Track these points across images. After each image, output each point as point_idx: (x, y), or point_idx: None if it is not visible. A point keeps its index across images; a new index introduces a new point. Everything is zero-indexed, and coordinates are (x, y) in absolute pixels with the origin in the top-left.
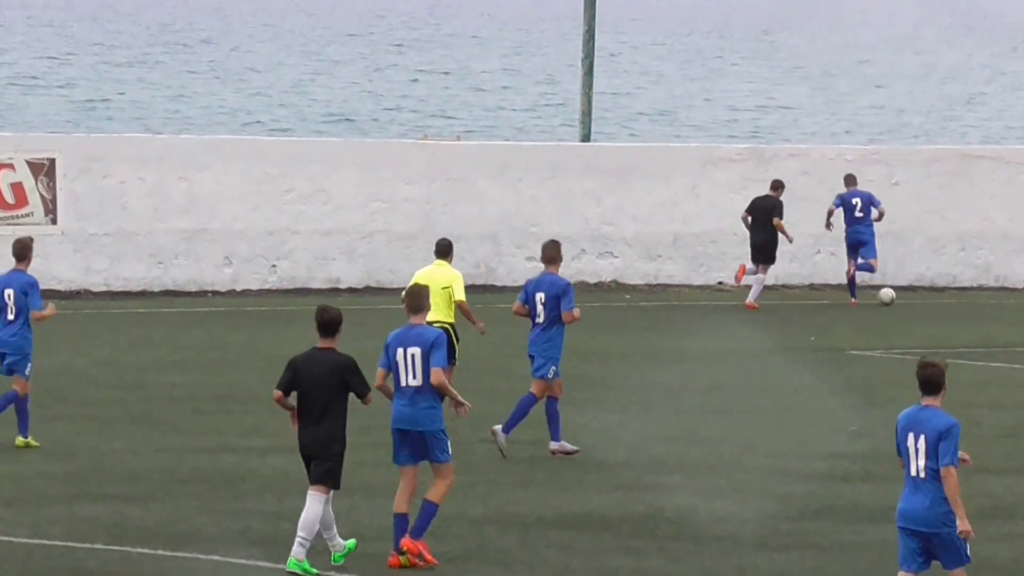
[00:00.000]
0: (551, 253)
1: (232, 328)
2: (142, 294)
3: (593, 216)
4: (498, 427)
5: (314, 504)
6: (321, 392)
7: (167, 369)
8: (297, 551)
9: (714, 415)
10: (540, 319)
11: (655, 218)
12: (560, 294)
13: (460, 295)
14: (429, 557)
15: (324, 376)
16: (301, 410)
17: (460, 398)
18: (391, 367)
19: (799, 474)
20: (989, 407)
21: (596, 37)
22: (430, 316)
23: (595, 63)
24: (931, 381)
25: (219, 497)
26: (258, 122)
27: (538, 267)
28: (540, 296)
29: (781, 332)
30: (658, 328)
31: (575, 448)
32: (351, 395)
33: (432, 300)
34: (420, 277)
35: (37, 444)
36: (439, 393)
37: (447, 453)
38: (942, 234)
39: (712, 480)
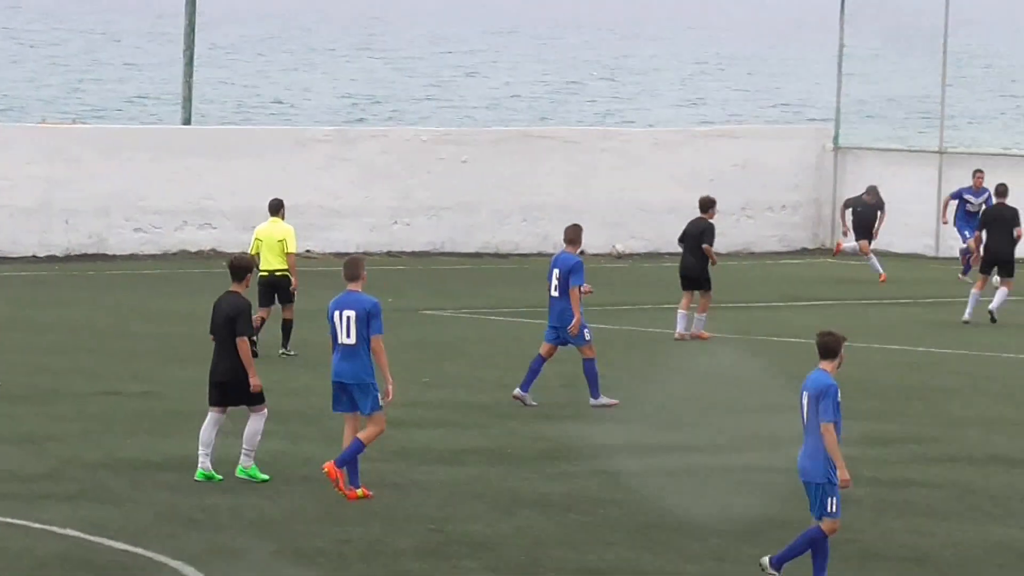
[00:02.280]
0: (571, 235)
1: None
2: None
3: (195, 191)
4: (517, 390)
5: (255, 421)
6: (221, 330)
7: None
8: (244, 461)
9: (304, 369)
10: (555, 292)
11: (251, 193)
12: (571, 270)
13: (292, 248)
14: (342, 488)
15: (222, 317)
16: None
17: (389, 376)
18: (331, 328)
19: None
20: (550, 360)
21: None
22: (269, 265)
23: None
24: (827, 348)
25: None
26: None
27: (146, 238)
28: (556, 272)
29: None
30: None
31: (615, 401)
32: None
33: (270, 252)
34: (259, 232)
35: None
36: (371, 353)
37: (378, 403)
38: (506, 206)
39: (304, 428)
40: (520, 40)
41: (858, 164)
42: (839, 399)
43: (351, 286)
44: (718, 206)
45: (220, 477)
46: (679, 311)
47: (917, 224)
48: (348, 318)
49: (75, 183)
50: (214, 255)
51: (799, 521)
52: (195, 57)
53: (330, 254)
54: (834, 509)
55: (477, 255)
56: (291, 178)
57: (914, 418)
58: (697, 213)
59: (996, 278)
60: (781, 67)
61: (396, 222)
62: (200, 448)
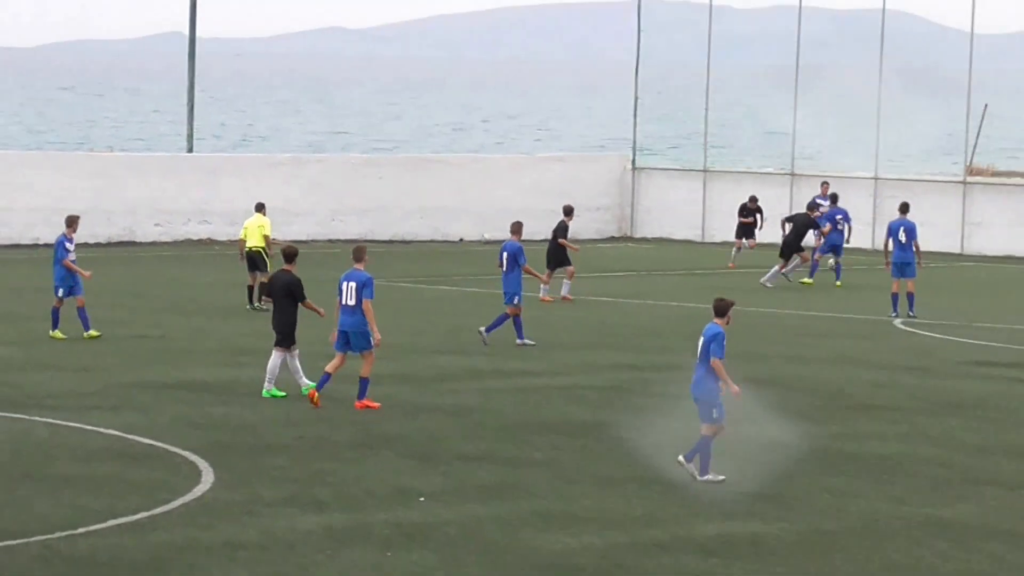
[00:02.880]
0: (515, 228)
1: None
2: None
3: (196, 198)
4: (482, 328)
5: (276, 357)
6: (279, 297)
7: None
8: (267, 386)
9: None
10: (504, 269)
11: (234, 199)
12: (517, 253)
13: (268, 232)
14: (372, 404)
15: (280, 288)
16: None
17: (376, 328)
18: (338, 293)
19: None
20: (479, 314)
21: None
22: (252, 244)
23: None
24: (720, 308)
25: None
26: None
27: (162, 230)
28: (505, 255)
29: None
30: None
31: (532, 341)
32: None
33: (252, 236)
34: (247, 223)
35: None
36: (364, 313)
37: (369, 345)
38: (410, 208)
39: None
40: (430, 91)
41: (648, 179)
42: (724, 343)
43: (356, 265)
44: (572, 210)
45: (283, 394)
46: (542, 285)
47: (688, 220)
48: (351, 287)
49: (112, 192)
50: (209, 242)
51: (613, 422)
52: (195, 107)
53: (289, 241)
54: (717, 416)
55: (390, 242)
56: (262, 189)
57: (666, 352)
58: (549, 213)
59: (831, 260)
60: (599, 112)
61: (334, 219)
62: (267, 375)
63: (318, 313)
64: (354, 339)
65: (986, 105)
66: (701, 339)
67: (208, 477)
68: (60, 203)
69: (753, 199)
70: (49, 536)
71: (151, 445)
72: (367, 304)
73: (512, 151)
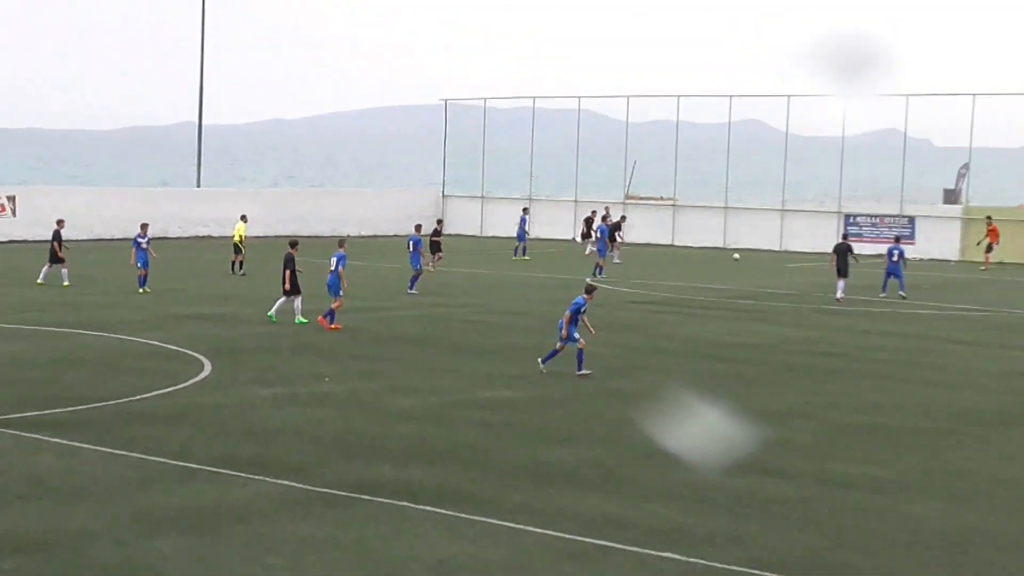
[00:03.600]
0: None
1: None
2: None
3: (204, 214)
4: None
5: (283, 301)
6: (287, 266)
7: None
8: (272, 312)
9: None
10: (333, 269)
11: (227, 213)
12: (340, 259)
13: (244, 232)
14: (330, 326)
15: (287, 262)
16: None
17: (345, 284)
18: (329, 264)
19: None
20: (397, 278)
21: None
22: (237, 238)
23: None
24: (589, 289)
25: None
26: None
27: (182, 231)
28: (334, 260)
29: None
30: None
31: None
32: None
33: (237, 233)
34: (237, 227)
35: None
36: (339, 275)
37: (339, 295)
38: (315, 220)
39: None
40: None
41: (454, 204)
42: (582, 309)
43: (339, 249)
44: (425, 227)
45: (276, 320)
46: (431, 266)
47: (473, 223)
48: (335, 260)
49: (153, 211)
50: (212, 240)
51: (439, 335)
52: (202, 157)
53: (252, 237)
54: (578, 339)
55: (308, 236)
56: (240, 209)
57: (470, 295)
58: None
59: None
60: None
61: (276, 224)
62: (274, 307)
63: (299, 272)
64: (332, 288)
65: (635, 162)
66: (572, 306)
67: (208, 368)
68: (140, 216)
69: (592, 216)
70: (119, 400)
71: (176, 350)
72: (341, 271)
73: (375, 187)
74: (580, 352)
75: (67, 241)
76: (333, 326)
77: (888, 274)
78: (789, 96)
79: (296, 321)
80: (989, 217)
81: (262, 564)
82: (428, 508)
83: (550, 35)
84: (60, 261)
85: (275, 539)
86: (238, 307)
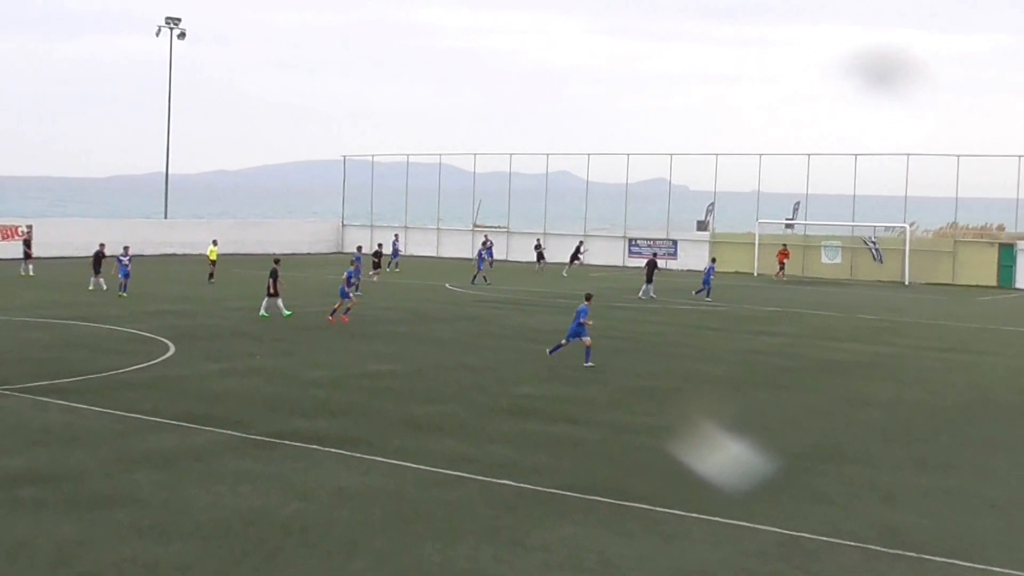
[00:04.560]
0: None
1: None
2: None
3: (172, 239)
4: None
5: (268, 301)
6: (273, 275)
7: None
8: (262, 310)
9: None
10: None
11: (197, 239)
12: (273, 275)
13: (215, 256)
14: (342, 319)
15: (271, 273)
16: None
17: (349, 289)
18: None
19: None
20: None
21: None
22: (212, 258)
23: None
24: (588, 296)
25: None
26: None
27: (161, 248)
28: (352, 262)
29: None
30: None
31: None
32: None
33: (211, 255)
34: (210, 249)
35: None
36: (345, 282)
37: (347, 296)
38: (247, 242)
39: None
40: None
41: (351, 231)
42: (586, 314)
43: (350, 267)
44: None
45: (268, 316)
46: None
47: (364, 243)
48: (344, 276)
49: (133, 236)
50: (176, 257)
51: (358, 321)
52: (168, 197)
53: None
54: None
55: (245, 255)
56: (197, 235)
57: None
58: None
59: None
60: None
61: (232, 244)
62: (262, 306)
63: (279, 285)
64: (342, 293)
65: (480, 201)
66: (578, 311)
67: (172, 350)
68: (124, 240)
69: (538, 243)
70: (107, 373)
71: (149, 336)
72: (344, 279)
73: (294, 219)
74: (587, 349)
75: (70, 258)
76: (333, 320)
77: (704, 284)
78: (589, 155)
79: (284, 315)
80: (785, 245)
81: (211, 491)
82: (331, 449)
83: (421, 104)
84: (99, 272)
85: (221, 472)
86: (194, 306)
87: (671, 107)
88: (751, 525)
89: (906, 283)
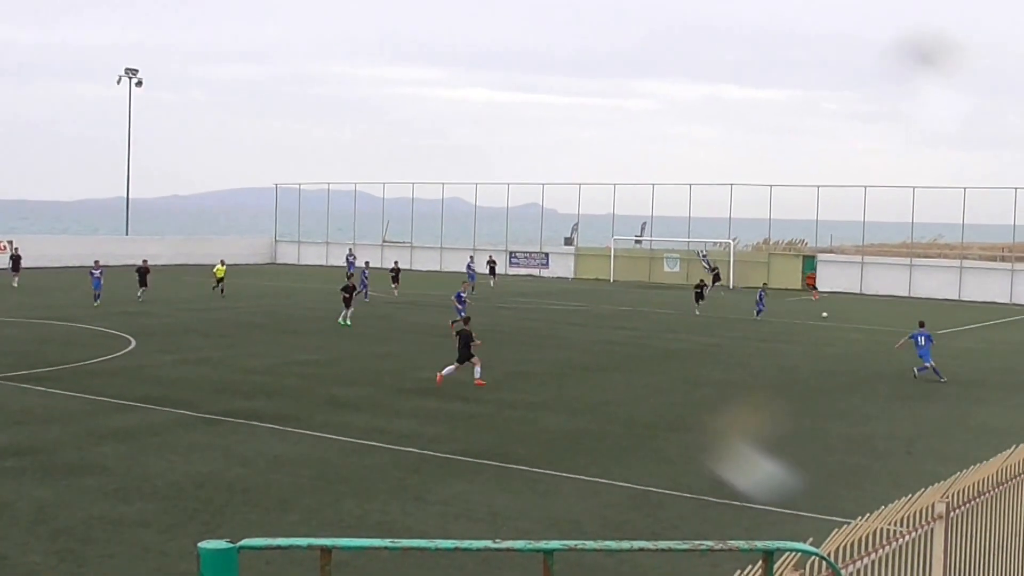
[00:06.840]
0: (221, 262)
1: None
2: None
3: (142, 252)
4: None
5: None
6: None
7: None
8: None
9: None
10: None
11: (175, 252)
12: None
13: (222, 273)
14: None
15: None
16: None
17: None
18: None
19: None
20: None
21: None
22: (219, 276)
23: None
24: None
25: None
26: None
27: (129, 259)
28: (350, 269)
29: None
30: None
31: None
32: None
33: (219, 272)
34: (217, 268)
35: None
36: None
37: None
38: (220, 252)
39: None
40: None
41: (282, 246)
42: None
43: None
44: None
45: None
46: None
47: (291, 255)
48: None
49: (100, 249)
50: (151, 266)
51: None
52: (129, 219)
53: (157, 266)
54: None
55: (195, 265)
56: (153, 249)
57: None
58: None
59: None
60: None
61: (175, 256)
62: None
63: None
64: (458, 308)
65: (388, 221)
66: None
67: (133, 344)
68: (93, 254)
69: (490, 259)
70: (78, 363)
71: (114, 332)
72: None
73: (234, 235)
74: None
75: (47, 268)
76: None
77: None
78: (477, 184)
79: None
80: (811, 272)
81: (167, 460)
82: (267, 425)
83: (338, 142)
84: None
85: (175, 444)
86: (151, 307)
87: (542, 144)
88: (609, 482)
89: (731, 287)
